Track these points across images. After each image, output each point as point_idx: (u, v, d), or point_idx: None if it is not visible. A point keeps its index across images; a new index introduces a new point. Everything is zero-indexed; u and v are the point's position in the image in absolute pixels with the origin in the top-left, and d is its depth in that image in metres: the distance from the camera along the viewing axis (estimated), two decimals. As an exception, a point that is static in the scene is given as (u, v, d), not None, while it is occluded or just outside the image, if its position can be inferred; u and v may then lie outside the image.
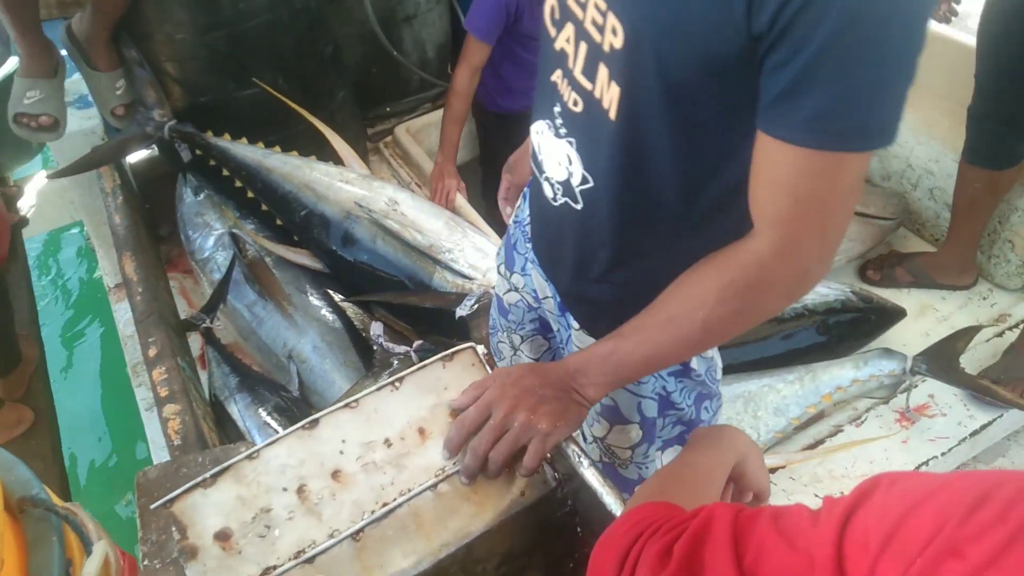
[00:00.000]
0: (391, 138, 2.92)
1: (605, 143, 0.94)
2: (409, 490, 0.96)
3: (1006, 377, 1.97)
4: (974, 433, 1.95)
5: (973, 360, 2.07)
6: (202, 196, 2.32)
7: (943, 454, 1.93)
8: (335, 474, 0.97)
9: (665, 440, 1.28)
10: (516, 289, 1.39)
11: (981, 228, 2.21)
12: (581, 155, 1.00)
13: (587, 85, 0.93)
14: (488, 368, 1.06)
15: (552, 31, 0.98)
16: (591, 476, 0.96)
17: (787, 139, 0.78)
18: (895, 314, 2.09)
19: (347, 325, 2.05)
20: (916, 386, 2.02)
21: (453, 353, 1.07)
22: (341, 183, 2.19)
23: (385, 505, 0.95)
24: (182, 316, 2.26)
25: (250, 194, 2.25)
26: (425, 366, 1.06)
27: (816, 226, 0.83)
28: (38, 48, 2.06)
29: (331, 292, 2.11)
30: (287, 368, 2.04)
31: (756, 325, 0.93)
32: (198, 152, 2.30)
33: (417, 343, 1.94)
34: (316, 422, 1.01)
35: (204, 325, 2.12)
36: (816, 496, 1.85)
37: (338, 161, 2.31)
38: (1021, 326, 2.09)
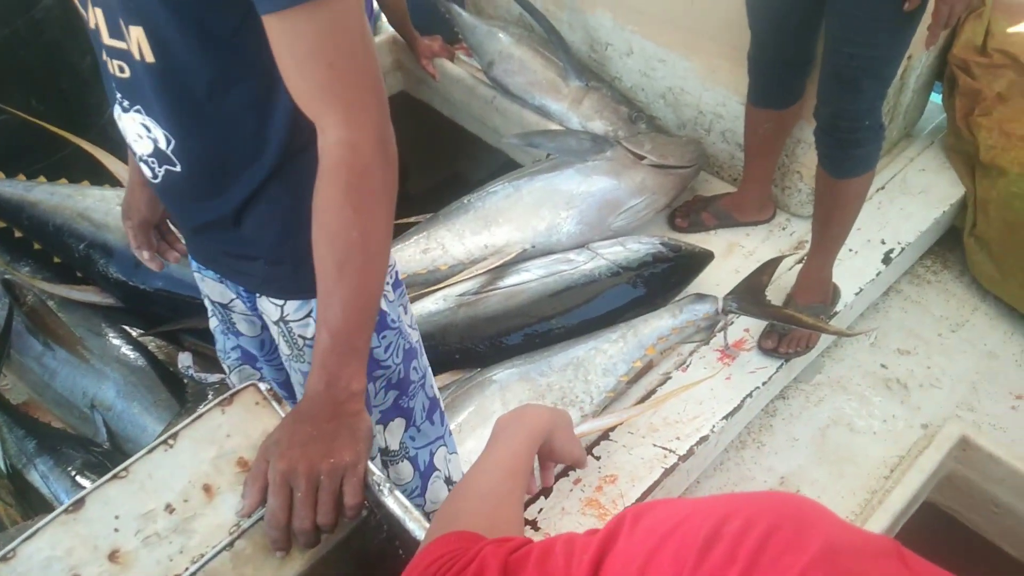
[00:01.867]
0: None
1: (158, 90, 0.95)
2: (202, 555, 0.87)
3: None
4: (789, 357, 2.08)
5: (782, 289, 2.20)
6: (-38, 243, 2.06)
7: (764, 383, 2.04)
8: (112, 555, 0.87)
9: (383, 411, 1.27)
10: (213, 314, 1.36)
11: (773, 164, 2.34)
12: (152, 117, 1.00)
13: (121, 45, 0.94)
14: (275, 404, 0.99)
15: (86, 14, 0.98)
16: (393, 503, 0.91)
17: (284, 4, 0.82)
18: (704, 257, 2.18)
19: (151, 361, 1.89)
20: (732, 323, 2.12)
21: (232, 395, 0.99)
22: (119, 206, 1.99)
23: (175, 578, 0.86)
24: (-39, 381, 2.01)
25: (18, 233, 2.02)
26: (201, 416, 0.97)
27: (360, 84, 0.88)
28: None
29: (128, 328, 1.94)
30: (92, 419, 1.86)
31: (393, 205, 0.96)
32: (-53, 195, 2.03)
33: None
34: (81, 502, 0.90)
35: (-13, 388, 1.90)
36: (655, 445, 1.91)
37: (115, 183, 2.10)
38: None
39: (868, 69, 1.77)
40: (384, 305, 1.19)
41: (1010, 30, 2.41)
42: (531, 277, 2.10)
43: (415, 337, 1.31)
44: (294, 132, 1.00)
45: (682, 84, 2.48)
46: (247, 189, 1.05)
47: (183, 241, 1.41)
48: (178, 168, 1.03)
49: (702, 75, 2.42)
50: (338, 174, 0.90)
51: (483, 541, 0.64)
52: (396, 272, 1.24)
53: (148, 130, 1.01)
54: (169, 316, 1.97)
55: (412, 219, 2.32)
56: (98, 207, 2.00)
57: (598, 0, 2.53)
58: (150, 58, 0.92)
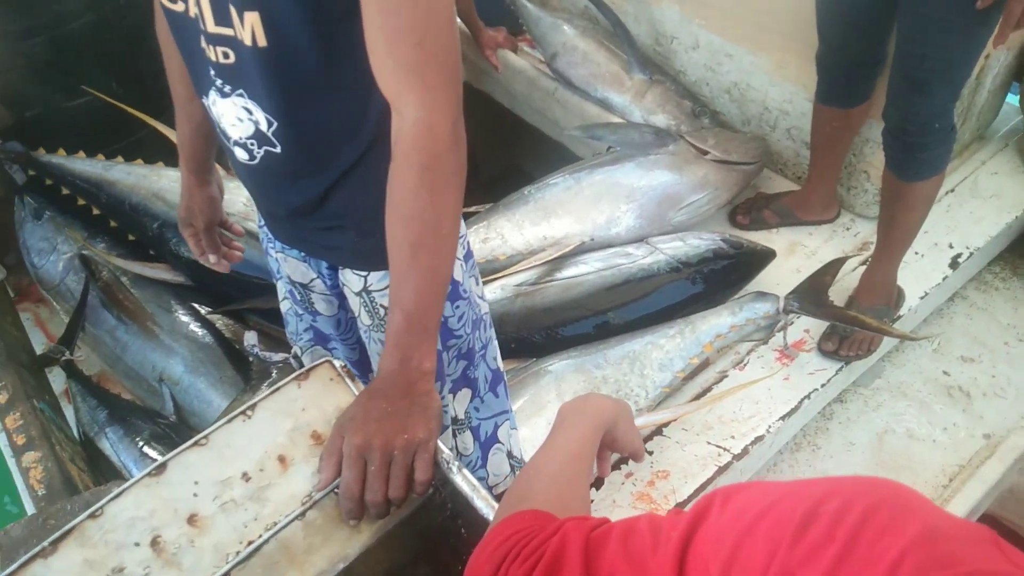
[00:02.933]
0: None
1: (265, 73, 0.98)
2: (275, 524, 0.90)
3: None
4: (849, 360, 2.05)
5: (844, 290, 2.16)
6: (44, 219, 2.15)
7: (823, 385, 2.01)
8: (191, 519, 0.91)
9: (454, 380, 1.29)
10: (286, 297, 1.39)
11: (839, 163, 2.29)
12: (256, 100, 1.02)
13: (228, 31, 0.96)
14: (348, 381, 1.02)
15: (176, 5, 1.00)
16: (461, 481, 0.93)
17: None
18: (766, 256, 2.15)
19: (218, 338, 1.95)
20: (792, 323, 2.10)
21: (308, 370, 1.02)
22: (194, 188, 2.06)
23: (250, 544, 0.89)
24: (40, 351, 2.10)
25: (96, 211, 2.10)
26: (278, 389, 1.00)
27: (444, 67, 0.91)
28: None
29: (197, 305, 2.00)
30: (160, 392, 1.93)
31: (463, 188, 0.98)
32: (32, 172, 2.12)
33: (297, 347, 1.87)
34: (163, 467, 0.94)
35: (64, 358, 1.98)
36: (709, 443, 1.90)
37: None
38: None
39: (940, 71, 1.72)
40: (458, 275, 1.21)
41: (1096, 30, 2.32)
42: (589, 270, 2.10)
43: (484, 308, 1.34)
44: (383, 117, 1.01)
45: (748, 80, 2.45)
46: (343, 165, 1.09)
47: (239, 236, 1.48)
48: (278, 149, 1.07)
49: (769, 71, 2.38)
50: (414, 156, 0.93)
51: (560, 519, 0.65)
52: (468, 243, 1.26)
53: (250, 113, 1.04)
54: (236, 296, 2.02)
55: (472, 208, 2.35)
56: (172, 188, 2.06)
57: (665, -7, 2.51)
58: (263, 42, 0.94)
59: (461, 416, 1.33)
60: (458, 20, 2.87)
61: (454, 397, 1.30)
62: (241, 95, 1.03)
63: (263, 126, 1.05)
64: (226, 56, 1.00)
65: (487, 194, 2.44)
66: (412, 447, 0.90)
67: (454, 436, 1.35)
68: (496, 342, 1.39)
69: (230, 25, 0.96)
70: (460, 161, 0.96)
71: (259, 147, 1.08)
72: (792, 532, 0.42)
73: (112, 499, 0.92)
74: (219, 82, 1.04)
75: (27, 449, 1.64)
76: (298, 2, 0.92)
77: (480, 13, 2.70)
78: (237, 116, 1.05)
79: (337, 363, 1.03)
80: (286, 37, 0.95)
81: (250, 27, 0.94)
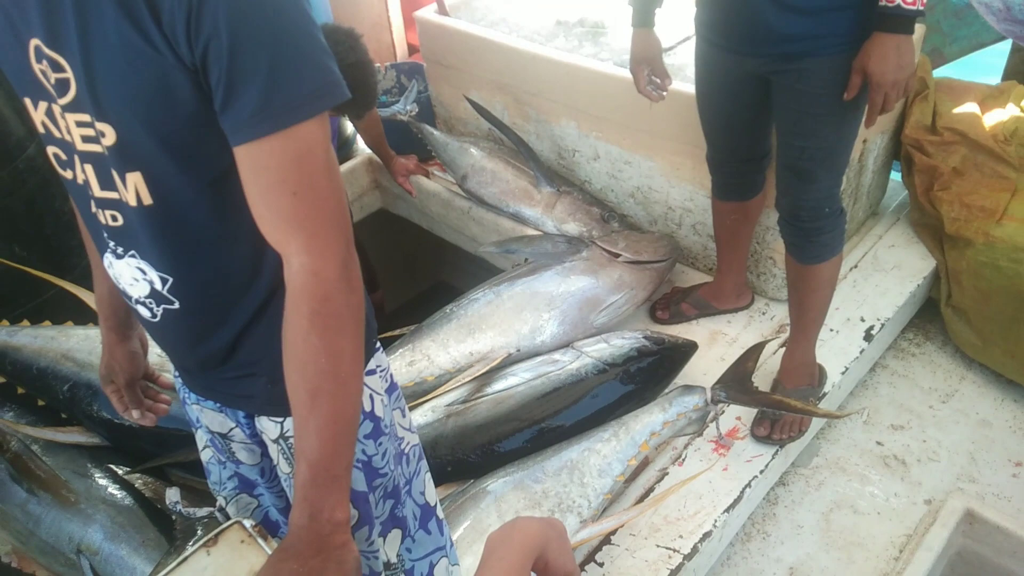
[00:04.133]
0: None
1: (153, 232, 0.99)
2: None
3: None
4: (783, 443, 2.07)
5: (769, 373, 2.21)
6: (-56, 392, 2.05)
7: (762, 472, 2.02)
8: None
9: (383, 523, 1.24)
10: (207, 446, 1.35)
11: (744, 253, 2.39)
12: (147, 260, 1.03)
13: (113, 195, 0.98)
14: (261, 542, 0.97)
15: (67, 173, 1.02)
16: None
17: (251, 136, 0.87)
18: (688, 348, 2.19)
19: (138, 499, 1.85)
20: (723, 412, 2.12)
21: (217, 534, 0.97)
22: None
23: None
24: (-57, 535, 1.96)
25: (0, 379, 2.01)
26: (186, 559, 0.95)
27: (323, 213, 0.91)
28: None
29: (114, 466, 1.91)
30: (79, 565, 1.80)
31: (361, 328, 0.97)
32: (-70, 345, 2.03)
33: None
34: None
35: (-30, 540, 1.85)
36: (658, 546, 1.86)
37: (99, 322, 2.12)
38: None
39: (820, 160, 1.84)
40: (379, 411, 1.19)
41: (955, 111, 2.53)
42: (518, 381, 2.10)
43: (410, 440, 1.30)
44: (276, 264, 1.01)
45: (649, 183, 2.57)
46: (246, 315, 1.08)
47: (166, 388, 1.44)
48: (176, 305, 1.06)
49: (667, 173, 2.50)
50: (302, 301, 0.92)
51: None
52: (390, 376, 1.24)
53: (144, 273, 1.03)
54: (155, 451, 1.94)
55: (397, 332, 2.34)
56: (82, 347, 2.00)
57: (562, 111, 2.65)
58: (148, 200, 0.95)
59: (394, 560, 1.28)
60: (368, 151, 2.95)
61: (384, 540, 1.25)
62: (134, 256, 1.03)
63: (157, 285, 1.04)
64: (115, 219, 1.00)
65: (411, 316, 2.44)
66: None
67: None
68: (425, 474, 1.35)
69: (114, 188, 0.97)
70: (352, 302, 0.95)
71: (158, 305, 1.07)
72: None
73: None
74: (112, 244, 1.04)
75: (-75, 651, 1.50)
76: (177, 164, 0.93)
77: (390, 143, 2.78)
78: (133, 276, 1.05)
79: (248, 523, 0.99)
80: (170, 194, 0.96)
81: (133, 187, 0.95)
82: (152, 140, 0.92)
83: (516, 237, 2.54)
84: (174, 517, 1.78)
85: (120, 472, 1.91)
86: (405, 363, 2.17)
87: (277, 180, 0.89)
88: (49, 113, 0.97)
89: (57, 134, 0.98)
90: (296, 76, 0.86)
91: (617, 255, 2.34)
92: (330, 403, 0.93)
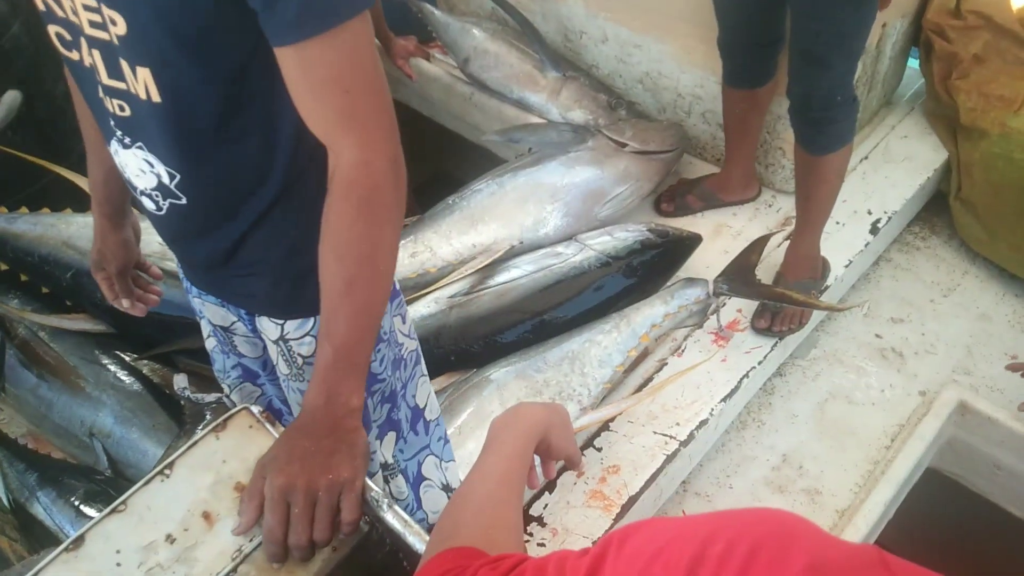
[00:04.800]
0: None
1: (162, 128, 0.96)
2: (206, 583, 0.88)
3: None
4: (783, 335, 2.09)
5: (772, 267, 2.20)
6: (-52, 281, 2.05)
7: (760, 363, 2.05)
8: (116, 591, 0.87)
9: (379, 426, 1.27)
10: (210, 335, 1.36)
11: (754, 143, 2.33)
12: (155, 154, 1.00)
13: (121, 85, 0.94)
14: (268, 427, 0.99)
15: (72, 54, 0.97)
16: (392, 518, 0.91)
17: (298, 38, 0.85)
18: (692, 241, 2.17)
19: (147, 385, 1.89)
20: (723, 305, 2.13)
21: (226, 419, 0.99)
22: (105, 233, 1.99)
23: (182, 608, 0.86)
24: (-42, 418, 2.01)
25: (3, 266, 2.01)
26: (195, 443, 0.97)
27: (374, 108, 0.91)
28: None
29: (122, 353, 1.93)
30: (92, 447, 1.86)
31: (401, 225, 1.00)
32: (-72, 232, 2.02)
33: (230, 384, 1.82)
34: (81, 539, 0.90)
35: (-15, 423, 1.90)
36: (655, 433, 1.91)
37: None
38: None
39: (835, 45, 1.77)
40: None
41: (982, -9, 2.41)
42: (521, 273, 2.10)
43: (409, 347, 1.31)
44: (297, 154, 1.02)
45: (659, 68, 2.48)
46: (252, 214, 1.06)
47: (158, 279, 1.43)
48: (183, 201, 1.04)
49: (678, 58, 2.41)
50: (351, 191, 0.92)
51: (479, 559, 0.64)
52: (396, 283, 1.24)
53: (151, 165, 1.01)
54: (162, 338, 1.96)
55: (398, 222, 2.32)
56: (82, 234, 1.99)
57: (569, -12, 2.52)
58: (156, 98, 0.93)
59: (390, 460, 1.31)
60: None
61: (381, 443, 1.28)
62: (141, 147, 1.00)
63: (165, 179, 1.02)
64: (122, 109, 0.97)
65: (417, 204, 2.41)
66: (337, 487, 0.88)
67: (386, 482, 1.32)
68: (419, 378, 1.36)
69: (123, 79, 0.93)
70: (399, 196, 0.95)
71: (164, 199, 1.05)
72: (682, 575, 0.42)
73: (29, 580, 0.88)
74: (119, 133, 1.01)
75: (-50, 525, 1.57)
76: (190, 59, 0.90)
77: (389, 23, 2.67)
78: (139, 168, 1.03)
79: (255, 409, 1.00)
80: (180, 92, 0.93)
81: (143, 82, 0.92)
82: (164, 33, 0.88)
83: (520, 125, 2.48)
84: (182, 402, 1.82)
85: (128, 359, 1.94)
86: (407, 255, 2.16)
87: (329, 78, 0.88)
88: None
89: (60, 13, 0.93)
90: None
91: (624, 145, 2.29)
92: (364, 291, 0.94)
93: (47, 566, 0.88)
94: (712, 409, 1.95)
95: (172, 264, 1.97)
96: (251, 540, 0.90)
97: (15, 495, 1.79)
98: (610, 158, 2.26)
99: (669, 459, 1.86)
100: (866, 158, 2.53)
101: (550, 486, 1.83)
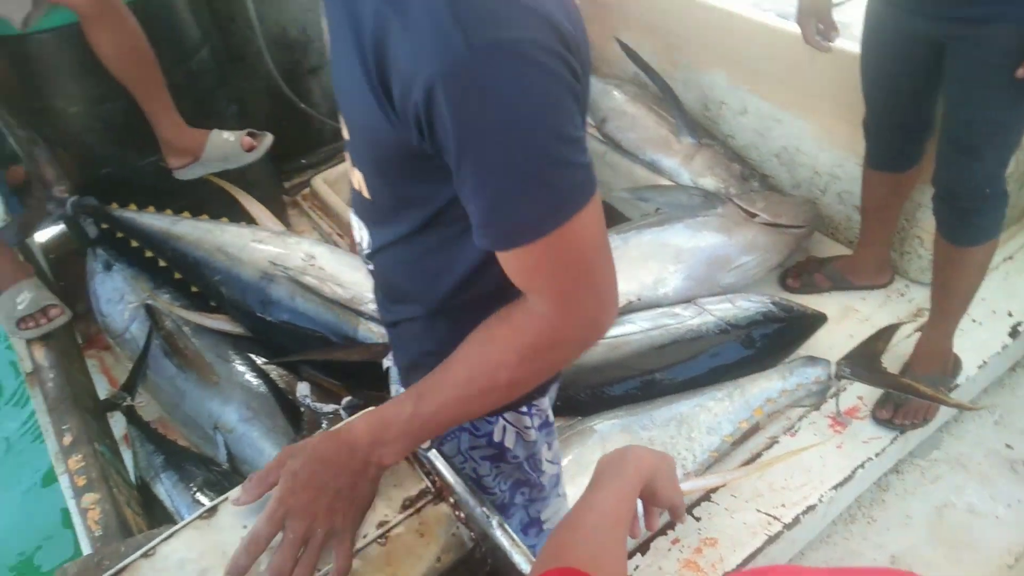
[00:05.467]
0: (309, 190, 2.89)
1: (365, 213, 1.06)
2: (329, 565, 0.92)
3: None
4: (905, 429, 1.99)
5: (899, 357, 2.12)
6: (113, 270, 2.25)
7: (877, 455, 1.96)
8: (239, 562, 0.93)
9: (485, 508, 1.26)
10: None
11: (891, 228, 2.28)
12: (365, 227, 1.08)
13: (353, 170, 1.02)
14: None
15: (344, 133, 1.04)
16: (500, 535, 0.93)
17: (483, 245, 0.84)
18: (817, 320, 2.13)
19: (273, 389, 2.00)
20: (844, 390, 2.05)
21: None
22: (255, 243, 2.15)
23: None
24: (103, 396, 2.18)
25: (162, 263, 2.19)
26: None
27: (584, 284, 0.87)
28: (5, 256, 2.17)
29: (253, 356, 2.06)
30: (214, 440, 1.98)
31: (551, 374, 0.98)
32: (104, 226, 2.23)
33: (346, 399, 1.90)
34: (214, 510, 0.97)
35: (125, 404, 2.05)
36: (758, 511, 1.85)
37: (251, 220, 2.27)
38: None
39: (988, 136, 1.72)
40: (510, 442, 1.19)
41: None
42: (636, 329, 2.11)
43: (551, 471, 1.29)
44: (467, 287, 1.02)
45: (797, 144, 2.47)
46: (409, 312, 1.11)
47: None
48: (371, 267, 1.13)
49: (818, 136, 2.40)
50: (528, 332, 0.90)
51: None
52: (548, 415, 1.23)
53: (360, 228, 1.10)
54: (292, 347, 2.08)
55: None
56: (234, 242, 2.15)
57: (713, 60, 2.56)
58: (365, 194, 1.01)
59: None
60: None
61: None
62: (357, 215, 1.09)
63: (365, 245, 1.11)
64: (356, 184, 1.04)
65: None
66: (331, 536, 0.90)
67: None
68: (557, 499, 1.33)
69: (353, 172, 1.03)
70: (571, 356, 0.95)
71: (362, 256, 1.14)
72: None
73: (164, 540, 0.95)
74: (354, 199, 1.09)
75: (87, 491, 1.69)
76: (385, 183, 0.97)
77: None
78: (357, 224, 1.11)
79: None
80: (379, 201, 1.00)
81: (358, 179, 1.01)
82: (367, 156, 0.96)
83: (651, 186, 2.51)
84: (302, 409, 1.91)
85: (259, 361, 2.06)
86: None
87: (527, 269, 0.86)
88: None
89: None
90: (516, 203, 0.80)
91: (754, 215, 2.28)
92: (474, 400, 0.96)
93: (183, 529, 0.95)
94: (822, 496, 1.87)
95: (310, 279, 2.10)
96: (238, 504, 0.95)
97: (142, 473, 1.92)
98: (739, 226, 2.26)
99: (771, 540, 1.80)
100: (1010, 258, 2.41)
101: (643, 547, 1.81)
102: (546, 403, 1.21)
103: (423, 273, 1.04)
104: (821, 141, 2.39)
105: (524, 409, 1.17)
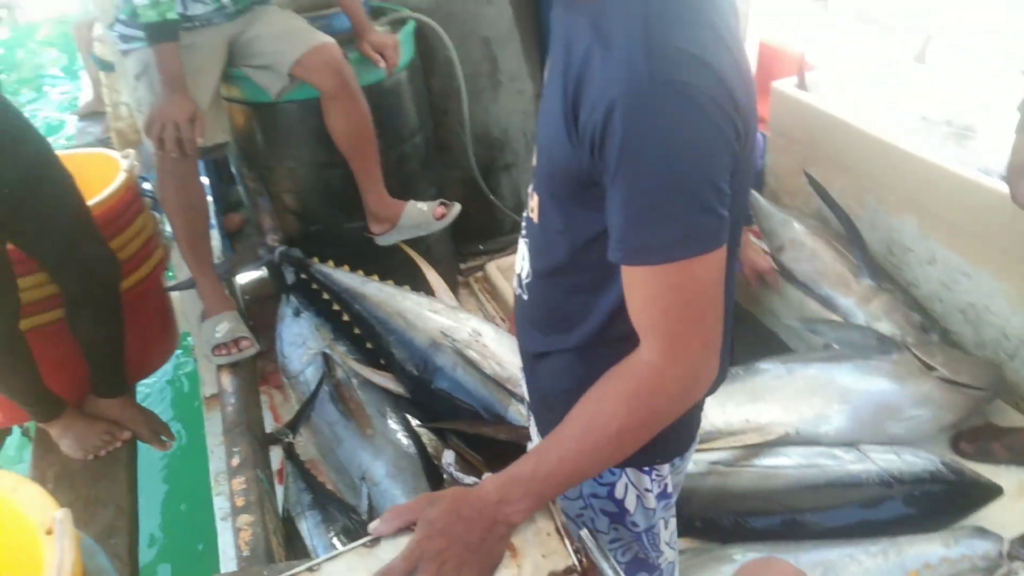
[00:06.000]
0: (482, 273, 3.06)
1: (533, 238, 1.15)
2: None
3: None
4: (1086, 633, 1.77)
5: (1084, 550, 1.90)
6: (301, 317, 2.47)
7: (1050, 653, 1.75)
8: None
9: None
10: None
11: (1088, 407, 2.09)
12: (529, 254, 1.17)
13: (532, 196, 1.13)
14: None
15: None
16: (607, 568, 0.94)
17: (618, 260, 0.93)
18: (990, 491, 1.96)
19: (421, 451, 2.09)
20: (1016, 573, 1.86)
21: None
22: (430, 312, 2.30)
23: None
24: (268, 430, 2.36)
25: (345, 317, 2.38)
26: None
27: (693, 331, 0.94)
28: (215, 288, 2.42)
29: (409, 417, 2.17)
30: (359, 489, 2.07)
31: (660, 430, 1.01)
32: (302, 276, 2.47)
33: (487, 475, 1.95)
34: (377, 541, 1.03)
35: (287, 440, 2.21)
36: None
37: (429, 292, 2.43)
38: None
39: None
40: (630, 503, 1.22)
41: None
42: (789, 463, 2.03)
43: (670, 557, 1.30)
44: (614, 322, 1.07)
45: (987, 302, 2.34)
46: (556, 344, 1.18)
47: None
48: (525, 297, 1.22)
49: (1012, 298, 2.27)
50: (633, 381, 0.97)
51: None
52: (667, 485, 1.25)
53: (523, 258, 1.20)
54: (445, 415, 2.17)
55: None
56: (411, 309, 2.31)
57: (904, 206, 2.52)
58: (536, 218, 1.12)
59: None
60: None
61: None
62: (526, 242, 1.19)
63: (524, 273, 1.21)
64: (532, 211, 1.15)
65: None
66: None
67: None
68: None
69: (531, 199, 1.15)
70: (678, 409, 0.99)
71: (517, 286, 1.25)
72: None
73: (329, 559, 1.02)
74: (523, 225, 1.21)
75: (243, 511, 1.82)
76: (556, 208, 1.06)
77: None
78: (521, 255, 1.22)
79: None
80: (546, 226, 1.10)
81: (534, 205, 1.12)
82: (547, 178, 1.06)
83: (826, 320, 2.46)
84: (445, 476, 1.98)
85: (413, 423, 2.16)
86: (678, 409, 2.20)
87: (647, 296, 0.94)
88: None
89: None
90: (656, 225, 0.88)
91: (932, 368, 2.17)
92: (588, 454, 1.00)
93: (346, 552, 1.02)
94: None
95: (473, 353, 2.21)
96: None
97: (290, 508, 2.04)
98: (914, 377, 2.15)
99: None
100: None
101: None
102: (666, 471, 1.23)
103: (573, 306, 1.12)
104: (1015, 304, 2.26)
105: (646, 469, 1.20)
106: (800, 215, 2.81)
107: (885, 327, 2.43)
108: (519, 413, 2.10)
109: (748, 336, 3.09)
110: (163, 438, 2.59)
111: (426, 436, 2.14)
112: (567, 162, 0.96)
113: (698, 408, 1.25)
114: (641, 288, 0.94)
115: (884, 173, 2.55)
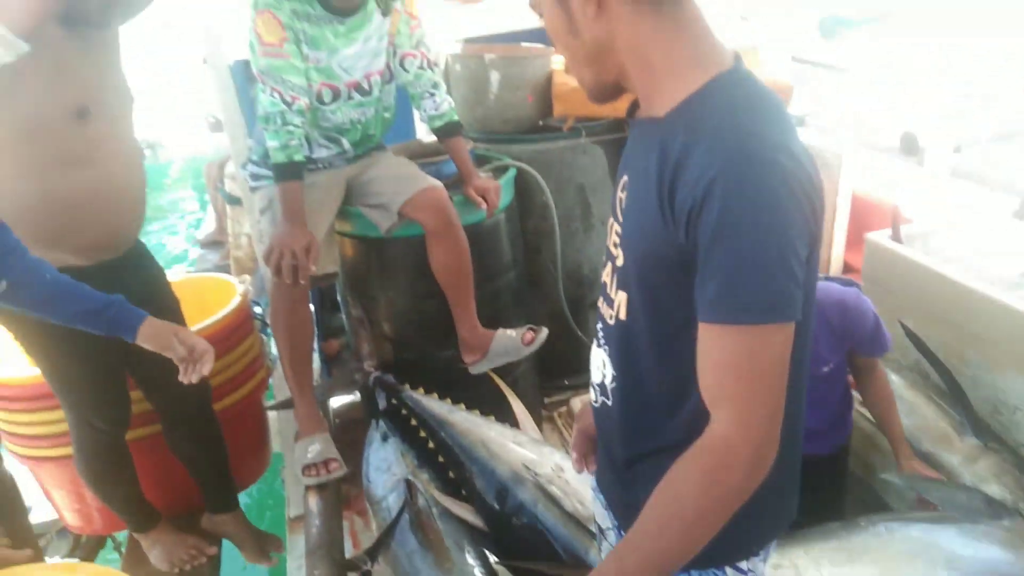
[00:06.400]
0: (566, 408, 3.06)
1: (619, 340, 1.18)
2: None
3: None
4: None
5: None
6: (388, 442, 2.52)
7: None
8: None
9: None
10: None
11: None
12: (612, 358, 1.21)
13: (615, 297, 1.17)
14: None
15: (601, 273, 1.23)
16: None
17: (704, 319, 1.00)
18: None
19: (498, 588, 2.05)
20: None
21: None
22: (514, 444, 2.31)
23: None
24: (347, 555, 2.36)
25: (431, 445, 2.42)
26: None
27: (761, 398, 0.99)
28: (312, 410, 2.54)
29: (488, 552, 2.14)
30: (431, 622, 2.03)
31: (736, 507, 1.02)
32: (393, 401, 2.54)
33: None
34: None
35: (365, 568, 2.20)
36: None
37: (514, 424, 2.45)
38: None
39: None
40: None
41: None
42: (891, 633, 1.88)
43: None
44: (695, 419, 1.09)
45: (1110, 470, 2.18)
46: (652, 443, 1.20)
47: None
48: (609, 403, 1.25)
49: None
50: (704, 455, 1.02)
51: None
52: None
53: (604, 365, 1.24)
54: (522, 552, 2.13)
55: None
56: (495, 439, 2.33)
57: (1011, 363, 2.42)
58: (623, 316, 1.16)
59: None
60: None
61: None
62: (606, 350, 1.24)
63: (607, 379, 1.24)
64: (611, 318, 1.21)
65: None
66: None
67: None
68: None
69: (611, 302, 1.20)
70: (748, 484, 1.01)
71: (599, 395, 1.27)
72: None
73: None
74: (600, 335, 1.27)
75: (315, 631, 1.82)
76: (645, 300, 1.12)
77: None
78: (599, 364, 1.26)
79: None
80: (635, 319, 1.15)
81: (619, 303, 1.17)
82: (636, 276, 1.12)
83: (929, 479, 2.33)
84: (521, 616, 1.93)
85: (491, 559, 2.13)
86: (769, 565, 2.09)
87: (724, 361, 1.00)
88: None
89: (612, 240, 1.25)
90: (749, 286, 0.96)
91: (1049, 538, 2.01)
92: (669, 543, 1.02)
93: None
94: None
95: (555, 489, 2.19)
96: None
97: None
98: (1029, 547, 1.99)
99: None
100: None
101: None
102: (760, 567, 1.23)
103: (664, 402, 1.15)
104: None
105: (743, 566, 1.20)
106: (898, 367, 2.73)
107: (995, 490, 2.28)
108: (599, 557, 2.04)
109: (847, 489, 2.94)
110: (272, 554, 2.64)
111: (502, 573, 2.10)
112: (658, 247, 1.05)
113: (774, 493, 1.20)
114: (719, 351, 1.00)
115: (986, 328, 2.48)
